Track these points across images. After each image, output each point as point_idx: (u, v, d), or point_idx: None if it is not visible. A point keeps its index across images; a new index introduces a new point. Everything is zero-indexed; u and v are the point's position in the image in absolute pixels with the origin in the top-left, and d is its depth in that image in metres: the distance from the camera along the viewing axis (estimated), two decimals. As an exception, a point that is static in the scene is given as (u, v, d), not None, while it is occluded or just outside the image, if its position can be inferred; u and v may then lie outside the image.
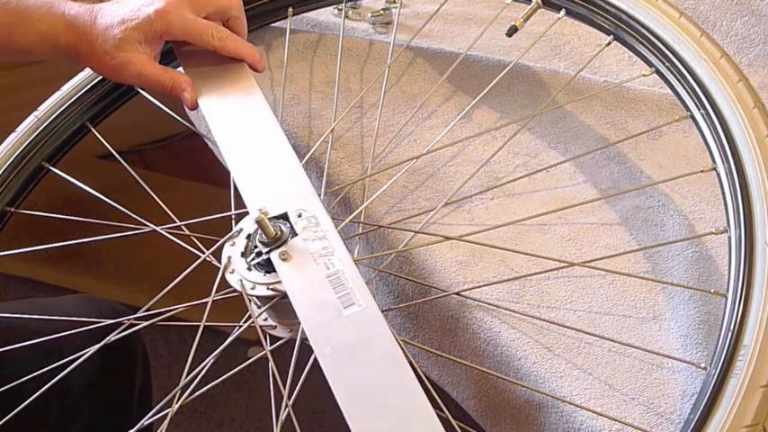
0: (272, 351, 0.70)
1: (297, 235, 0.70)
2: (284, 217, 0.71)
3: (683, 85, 0.74)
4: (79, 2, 0.84)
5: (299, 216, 0.71)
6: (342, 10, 1.04)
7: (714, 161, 0.70)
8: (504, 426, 0.74)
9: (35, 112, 0.87)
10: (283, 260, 0.68)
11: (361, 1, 1.10)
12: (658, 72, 0.77)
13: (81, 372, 0.74)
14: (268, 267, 0.69)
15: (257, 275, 0.69)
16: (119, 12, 0.82)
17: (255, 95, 0.84)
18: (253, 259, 0.70)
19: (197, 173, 1.82)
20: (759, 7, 1.05)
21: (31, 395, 0.73)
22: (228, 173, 0.87)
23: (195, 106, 0.83)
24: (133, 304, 0.92)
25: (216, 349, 0.69)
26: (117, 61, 0.81)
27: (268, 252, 0.69)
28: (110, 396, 0.97)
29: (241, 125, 0.81)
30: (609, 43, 0.82)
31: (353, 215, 0.79)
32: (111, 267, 1.77)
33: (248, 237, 0.72)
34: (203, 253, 0.75)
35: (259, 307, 0.72)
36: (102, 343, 0.74)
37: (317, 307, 0.65)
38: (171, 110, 0.90)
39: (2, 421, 0.73)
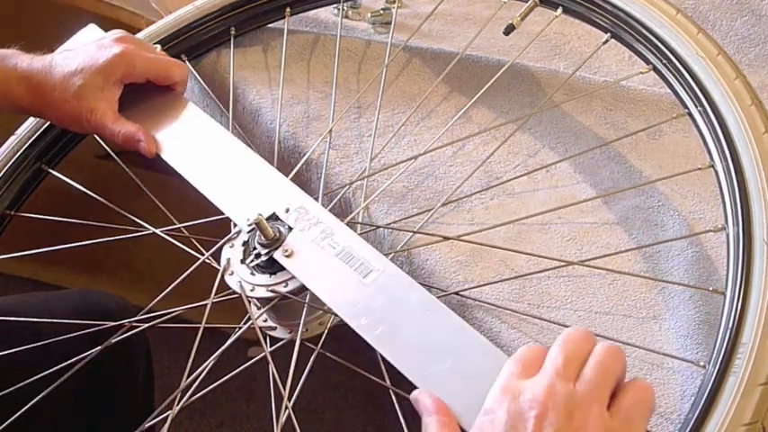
0: (271, 352, 0.70)
1: (292, 229, 0.70)
2: (274, 217, 0.71)
3: (680, 83, 0.74)
4: (31, 54, 0.82)
5: (287, 211, 0.71)
6: (341, 10, 1.04)
7: (712, 158, 0.70)
8: (505, 425, 0.74)
9: (30, 119, 0.87)
10: (288, 257, 0.68)
11: (360, 1, 1.10)
12: (656, 69, 0.77)
13: (80, 372, 0.75)
14: (267, 269, 0.69)
15: (256, 277, 0.69)
16: (76, 59, 0.80)
17: (201, 117, 0.83)
18: (252, 261, 0.70)
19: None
20: (759, 7, 1.05)
21: (29, 396, 0.73)
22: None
23: (154, 154, 0.81)
24: (134, 304, 0.92)
25: (216, 349, 0.69)
26: (77, 110, 0.79)
27: (267, 253, 0.69)
28: (110, 396, 0.97)
29: (201, 151, 0.81)
30: (606, 41, 0.82)
31: (352, 215, 0.79)
32: (110, 267, 1.77)
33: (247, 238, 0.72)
34: (202, 255, 0.75)
35: (259, 308, 0.72)
36: (102, 347, 0.75)
37: (339, 286, 0.66)
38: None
39: (3, 425, 0.73)
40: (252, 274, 0.70)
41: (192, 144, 0.81)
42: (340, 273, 0.66)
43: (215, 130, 0.82)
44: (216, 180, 0.78)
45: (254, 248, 0.70)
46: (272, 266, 0.70)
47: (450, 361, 0.60)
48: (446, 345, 0.61)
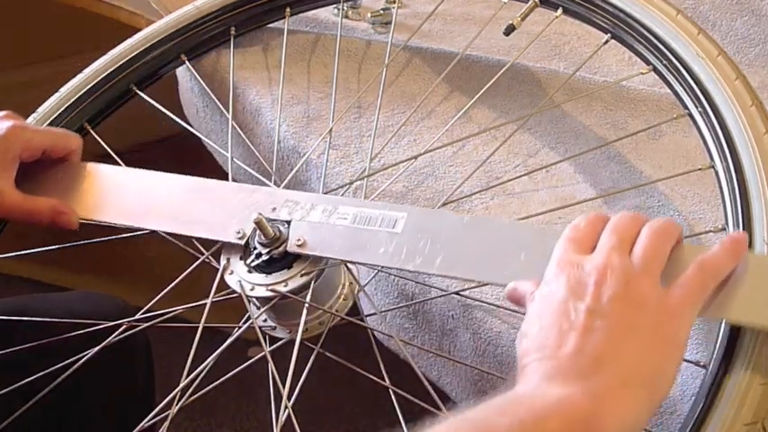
0: (271, 352, 0.70)
1: (290, 222, 0.70)
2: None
3: (680, 83, 0.74)
4: None
5: (274, 210, 0.71)
6: (341, 10, 1.04)
7: (712, 159, 0.70)
8: (505, 425, 0.74)
9: (33, 114, 0.87)
10: (301, 246, 0.68)
11: (360, 1, 1.10)
12: (656, 70, 0.77)
13: (80, 372, 0.75)
14: (267, 268, 0.69)
15: (256, 276, 0.69)
16: None
17: (118, 171, 0.80)
18: (252, 260, 0.70)
19: (197, 172, 1.82)
20: (759, 7, 1.05)
21: (29, 395, 0.73)
22: (227, 173, 0.87)
23: (77, 226, 0.76)
24: (133, 304, 0.93)
25: (216, 349, 0.69)
26: None
27: (268, 252, 0.69)
28: (109, 395, 0.97)
29: (142, 198, 0.77)
30: (606, 42, 0.82)
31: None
32: (111, 267, 1.77)
33: (247, 238, 0.72)
34: (203, 254, 0.75)
35: (258, 308, 0.72)
36: (102, 345, 0.75)
37: (373, 248, 0.66)
38: (170, 110, 0.90)
39: (2, 425, 0.73)
40: (248, 270, 0.70)
41: (127, 196, 0.77)
42: (366, 237, 0.66)
43: (145, 175, 0.78)
44: (177, 215, 0.74)
45: (255, 248, 0.70)
46: (267, 265, 0.69)
47: (522, 253, 0.61)
48: (510, 243, 0.62)
